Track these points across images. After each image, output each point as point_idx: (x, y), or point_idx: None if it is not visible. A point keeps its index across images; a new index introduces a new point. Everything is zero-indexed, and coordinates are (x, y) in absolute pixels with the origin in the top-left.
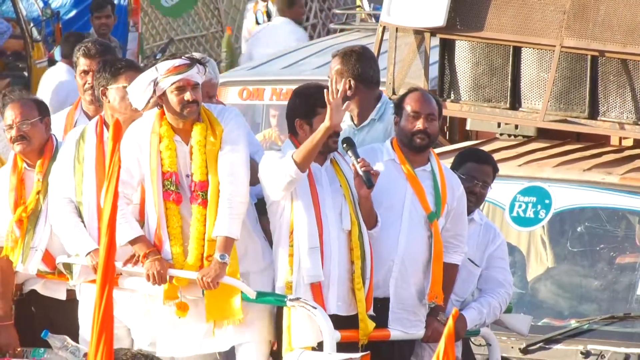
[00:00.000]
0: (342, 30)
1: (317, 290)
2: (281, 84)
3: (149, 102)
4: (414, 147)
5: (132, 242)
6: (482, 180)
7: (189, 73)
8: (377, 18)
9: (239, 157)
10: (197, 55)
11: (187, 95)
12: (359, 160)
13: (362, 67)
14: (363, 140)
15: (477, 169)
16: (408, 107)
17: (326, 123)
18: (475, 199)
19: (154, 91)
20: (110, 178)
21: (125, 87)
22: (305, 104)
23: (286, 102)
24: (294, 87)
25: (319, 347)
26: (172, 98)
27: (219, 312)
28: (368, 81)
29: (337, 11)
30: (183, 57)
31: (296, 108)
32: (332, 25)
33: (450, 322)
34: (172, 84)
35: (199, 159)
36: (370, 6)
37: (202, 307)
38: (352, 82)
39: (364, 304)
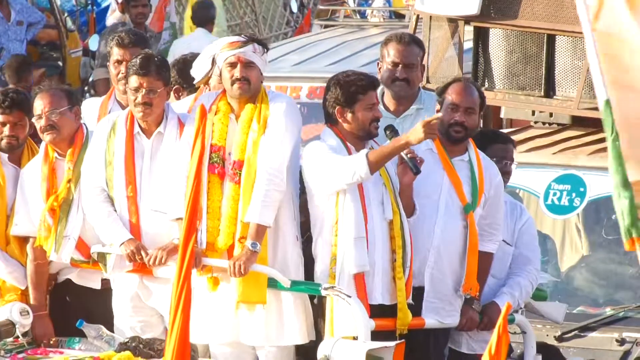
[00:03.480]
0: (326, 26)
1: (360, 280)
2: None
3: (206, 75)
4: (449, 139)
5: (179, 220)
6: (510, 158)
7: (242, 50)
8: (361, 14)
9: (281, 145)
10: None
11: (237, 72)
12: None
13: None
14: (409, 129)
15: (504, 149)
16: (449, 98)
17: (417, 136)
18: (507, 178)
19: (212, 66)
20: (196, 163)
21: (131, 90)
22: (347, 92)
23: None
24: (271, 84)
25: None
26: (225, 74)
27: (245, 295)
28: None
29: (322, 7)
30: (242, 35)
31: (336, 97)
32: (315, 22)
33: (503, 313)
34: (225, 60)
35: (241, 139)
36: (354, 2)
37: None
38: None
39: (404, 293)
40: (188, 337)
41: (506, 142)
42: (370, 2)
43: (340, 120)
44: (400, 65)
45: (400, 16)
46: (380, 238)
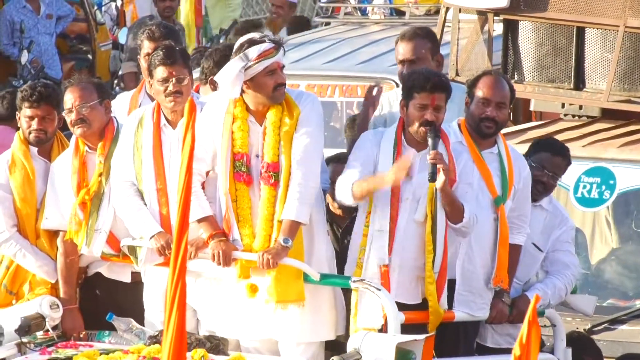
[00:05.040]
0: (326, 23)
1: (385, 273)
2: None
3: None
4: (480, 133)
5: (200, 221)
6: (552, 171)
7: (278, 56)
8: (362, 11)
9: (314, 141)
10: (275, 37)
11: (279, 78)
12: (432, 152)
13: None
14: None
15: (549, 159)
16: (479, 92)
17: (389, 173)
18: (542, 188)
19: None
20: (187, 158)
21: (159, 81)
22: (406, 85)
23: None
24: None
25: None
26: (266, 81)
27: (283, 294)
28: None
29: (322, 4)
30: (267, 41)
31: (403, 87)
32: (316, 19)
33: (532, 305)
34: (265, 68)
35: (272, 140)
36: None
37: (268, 292)
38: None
39: (435, 297)
40: (185, 333)
41: (555, 154)
42: None
43: (400, 111)
44: (405, 62)
45: (401, 13)
46: (402, 236)
